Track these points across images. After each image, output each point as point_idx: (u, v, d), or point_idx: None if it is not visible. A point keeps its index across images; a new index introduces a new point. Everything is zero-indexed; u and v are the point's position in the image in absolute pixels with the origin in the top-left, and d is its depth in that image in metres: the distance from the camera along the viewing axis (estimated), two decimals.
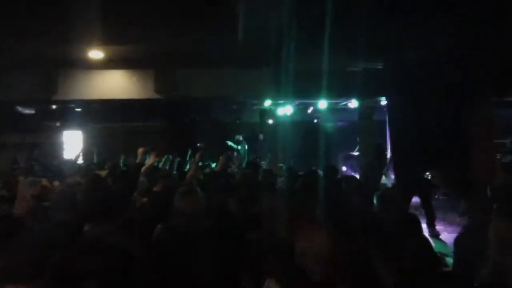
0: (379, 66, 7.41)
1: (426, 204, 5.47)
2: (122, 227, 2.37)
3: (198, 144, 7.41)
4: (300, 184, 4.00)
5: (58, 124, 11.20)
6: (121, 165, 5.86)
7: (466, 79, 5.40)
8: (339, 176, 4.67)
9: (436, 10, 4.41)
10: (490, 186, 4.64)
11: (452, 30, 4.90)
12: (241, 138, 9.63)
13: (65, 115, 10.18)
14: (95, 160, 6.43)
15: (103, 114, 10.40)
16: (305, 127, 10.99)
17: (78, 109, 9.66)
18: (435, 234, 5.15)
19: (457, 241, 2.69)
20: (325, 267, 1.71)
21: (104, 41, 5.55)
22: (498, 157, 6.16)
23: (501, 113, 7.17)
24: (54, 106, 9.43)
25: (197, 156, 4.40)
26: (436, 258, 2.48)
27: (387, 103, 8.13)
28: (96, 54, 6.12)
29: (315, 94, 8.01)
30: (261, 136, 10.24)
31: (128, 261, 2.01)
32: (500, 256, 1.55)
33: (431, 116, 5.99)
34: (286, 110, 10.11)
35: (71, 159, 9.20)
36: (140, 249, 2.17)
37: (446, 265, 2.65)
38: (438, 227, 5.47)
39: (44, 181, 4.52)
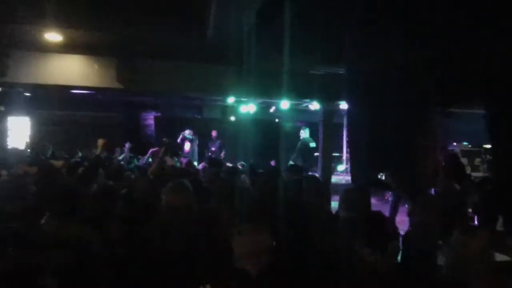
0: (341, 71, 7.73)
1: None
2: (80, 221, 2.30)
3: (163, 139, 7.27)
4: (262, 181, 4.07)
5: (2, 108, 10.34)
6: (79, 156, 5.59)
7: (417, 91, 5.84)
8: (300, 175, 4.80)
9: (391, 24, 4.71)
10: (434, 189, 5.06)
11: (406, 44, 5.25)
12: (188, 134, 9.58)
13: (12, 99, 9.43)
14: (48, 155, 6.06)
15: (55, 101, 9.78)
16: (266, 125, 11.15)
17: (27, 94, 8.99)
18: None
19: (404, 238, 2.92)
20: (263, 263, 1.68)
21: (64, 24, 5.24)
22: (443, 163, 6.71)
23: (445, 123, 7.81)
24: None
25: (162, 150, 4.31)
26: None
27: (347, 107, 8.50)
28: (54, 36, 5.75)
29: (277, 94, 8.19)
30: (214, 133, 10.22)
31: (86, 256, 1.96)
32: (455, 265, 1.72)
33: (385, 122, 6.39)
34: (248, 108, 10.20)
35: (17, 147, 8.59)
36: (99, 243, 2.11)
37: None
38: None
39: None
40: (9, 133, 10.47)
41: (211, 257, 1.92)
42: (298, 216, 2.73)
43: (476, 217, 4.42)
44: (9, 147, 9.44)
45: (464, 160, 9.04)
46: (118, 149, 9.30)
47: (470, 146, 10.06)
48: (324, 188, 3.83)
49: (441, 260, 2.11)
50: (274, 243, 1.77)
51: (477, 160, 9.67)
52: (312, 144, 8.49)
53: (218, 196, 2.94)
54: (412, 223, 3.08)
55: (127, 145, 8.96)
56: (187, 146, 9.58)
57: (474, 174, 8.14)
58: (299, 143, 8.40)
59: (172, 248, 2.01)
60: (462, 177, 5.35)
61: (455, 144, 9.73)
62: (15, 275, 1.77)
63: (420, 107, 6.26)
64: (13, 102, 9.59)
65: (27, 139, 10.44)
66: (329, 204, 4.62)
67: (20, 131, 10.57)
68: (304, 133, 8.67)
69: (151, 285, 1.92)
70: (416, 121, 6.37)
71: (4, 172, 4.49)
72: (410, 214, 3.16)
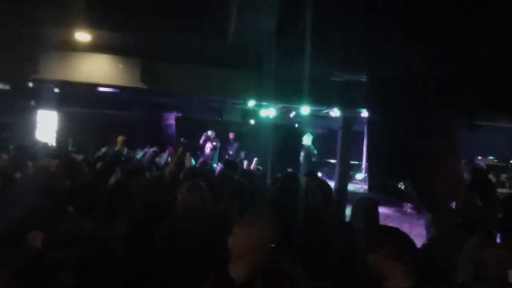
0: (362, 78, 7.64)
1: None
2: (100, 218, 2.34)
3: (181, 139, 7.37)
4: (279, 185, 4.07)
5: (33, 103, 10.81)
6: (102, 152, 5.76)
7: (440, 101, 5.70)
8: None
9: (413, 34, 4.63)
10: (455, 202, 4.90)
11: (429, 53, 5.15)
12: (210, 134, 9.62)
13: (42, 95, 9.85)
14: (69, 149, 6.29)
15: (81, 98, 10.13)
16: (286, 130, 11.11)
17: (56, 90, 9.36)
18: None
19: (420, 251, 2.84)
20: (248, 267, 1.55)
21: (92, 25, 5.45)
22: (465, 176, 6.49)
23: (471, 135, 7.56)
24: (30, 84, 9.10)
25: (180, 151, 4.33)
26: None
27: (367, 115, 8.38)
28: (83, 36, 5.99)
29: (297, 100, 8.17)
30: (231, 135, 10.25)
31: (103, 252, 1.99)
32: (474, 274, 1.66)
33: (405, 131, 6.27)
34: (268, 112, 10.21)
35: (44, 140, 8.93)
36: (115, 239, 2.15)
37: None
38: None
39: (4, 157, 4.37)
40: (38, 126, 10.94)
41: (220, 257, 1.88)
42: (309, 220, 2.73)
43: (499, 235, 4.24)
44: (37, 139, 9.85)
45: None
46: (138, 150, 9.52)
47: (496, 160, 9.70)
48: (338, 195, 3.80)
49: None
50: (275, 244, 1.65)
51: (503, 176, 9.29)
52: (314, 152, 8.43)
53: (226, 197, 2.96)
54: (429, 236, 3.00)
55: (152, 149, 9.11)
56: (208, 147, 9.63)
57: (500, 190, 7.84)
58: (304, 150, 8.40)
59: (184, 247, 2.02)
60: (486, 192, 5.16)
61: (480, 158, 9.39)
62: (34, 270, 1.78)
63: (443, 118, 6.11)
64: (43, 97, 10.01)
65: (54, 133, 10.88)
66: (343, 211, 4.57)
67: (48, 125, 11.02)
68: (308, 140, 8.63)
69: (164, 282, 1.93)
70: (438, 132, 6.22)
71: (30, 164, 4.69)
72: (428, 226, 3.08)
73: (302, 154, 8.37)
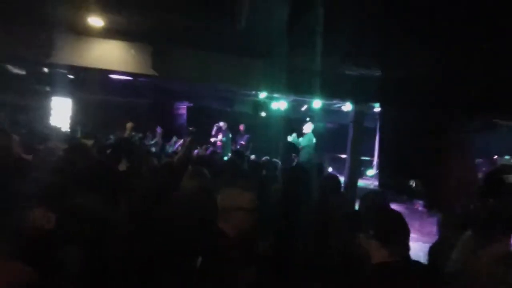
0: (377, 73, 7.48)
1: None
2: (106, 198, 2.35)
3: (190, 128, 7.36)
4: (286, 177, 4.02)
5: (47, 88, 10.97)
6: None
7: (455, 99, 5.55)
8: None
9: (430, 28, 4.49)
10: (465, 204, 4.76)
11: (446, 48, 5.00)
12: (222, 125, 9.60)
13: (56, 81, 9.98)
14: (78, 135, 6.36)
15: (95, 85, 10.23)
16: (296, 124, 11.02)
17: (70, 76, 9.47)
18: None
19: (431, 249, 2.77)
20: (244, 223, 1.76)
21: (104, 9, 5.43)
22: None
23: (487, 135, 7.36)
24: (45, 70, 9.21)
25: (188, 140, 4.31)
26: None
27: (380, 111, 8.23)
28: (96, 21, 5.99)
29: (310, 92, 8.05)
30: (241, 127, 10.20)
31: (109, 231, 2.00)
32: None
33: (418, 129, 6.14)
34: (280, 104, 10.12)
35: (58, 125, 9.07)
36: (124, 220, 2.15)
37: None
38: (414, 236, 5.60)
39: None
40: (52, 112, 11.12)
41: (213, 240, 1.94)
42: (316, 213, 2.68)
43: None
44: (51, 125, 10.01)
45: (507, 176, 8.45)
46: (149, 134, 9.59)
47: None
48: (348, 190, 3.73)
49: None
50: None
51: None
52: (313, 141, 8.53)
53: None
54: (441, 236, 2.91)
55: (159, 129, 9.19)
56: (219, 138, 9.63)
57: None
58: (303, 139, 8.30)
59: (183, 231, 2.02)
60: (501, 193, 5.01)
61: (495, 157, 9.14)
62: (40, 247, 1.80)
63: (458, 116, 5.94)
64: (58, 83, 10.14)
65: (68, 119, 11.05)
66: (353, 207, 4.50)
67: (62, 111, 11.19)
68: (309, 128, 8.54)
69: (164, 262, 1.93)
70: (452, 130, 6.06)
71: (41, 147, 4.75)
72: (439, 225, 2.99)
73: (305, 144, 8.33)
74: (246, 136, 10.02)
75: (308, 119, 11.71)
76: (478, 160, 7.67)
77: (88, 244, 1.87)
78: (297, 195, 3.10)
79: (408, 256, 1.74)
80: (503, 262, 1.53)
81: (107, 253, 1.91)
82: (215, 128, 9.65)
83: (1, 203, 1.93)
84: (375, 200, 2.53)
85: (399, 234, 1.68)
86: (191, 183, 2.51)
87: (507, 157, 9.13)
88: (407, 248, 1.71)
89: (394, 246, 1.63)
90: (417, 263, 1.75)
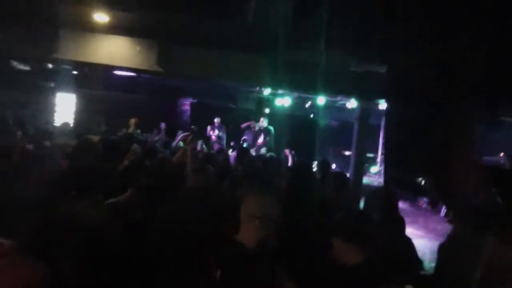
0: (382, 70, 7.44)
1: None
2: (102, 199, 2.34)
3: (192, 127, 7.38)
4: (291, 174, 4.01)
5: (52, 84, 10.99)
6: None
7: (462, 95, 5.50)
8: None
9: (433, 22, 4.45)
10: (473, 199, 4.74)
11: (451, 42, 4.95)
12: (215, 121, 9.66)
13: (61, 76, 10.00)
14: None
15: (99, 81, 10.25)
16: (300, 121, 11.00)
17: (75, 72, 9.48)
18: None
19: (440, 248, 2.76)
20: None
21: (110, 5, 5.43)
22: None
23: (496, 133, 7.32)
24: (50, 66, 9.22)
25: (190, 138, 4.32)
26: (417, 260, 2.54)
27: (386, 108, 8.19)
28: (101, 17, 5.98)
29: (314, 88, 8.01)
30: (252, 123, 10.19)
31: (107, 243, 1.98)
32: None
33: (425, 125, 6.10)
34: (284, 101, 10.08)
35: (63, 122, 9.10)
36: (119, 229, 2.15)
37: (424, 269, 2.71)
38: (419, 233, 5.60)
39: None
40: (57, 108, 11.14)
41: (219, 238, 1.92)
42: (321, 210, 2.67)
43: None
44: (56, 121, 10.04)
45: None
46: (156, 130, 9.62)
47: None
48: (353, 188, 3.72)
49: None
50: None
51: None
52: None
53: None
54: (451, 233, 2.90)
55: (163, 125, 9.19)
56: (215, 133, 9.72)
57: None
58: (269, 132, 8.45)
59: (186, 228, 2.01)
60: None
61: (501, 154, 9.10)
62: (33, 247, 1.79)
63: (464, 112, 5.90)
64: (62, 79, 10.16)
65: (73, 115, 11.07)
66: (358, 204, 4.49)
67: (66, 107, 11.21)
68: (265, 122, 8.76)
69: (165, 263, 1.92)
70: (459, 126, 6.02)
71: (47, 144, 4.77)
72: (449, 222, 2.98)
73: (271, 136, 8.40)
74: (263, 135, 9.91)
75: (311, 115, 11.71)
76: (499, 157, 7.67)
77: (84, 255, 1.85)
78: (303, 193, 3.09)
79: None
80: None
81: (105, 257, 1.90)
82: (209, 128, 9.75)
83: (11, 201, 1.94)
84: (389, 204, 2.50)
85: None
86: (196, 180, 2.52)
87: None
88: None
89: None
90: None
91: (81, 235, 1.84)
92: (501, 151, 8.92)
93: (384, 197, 2.52)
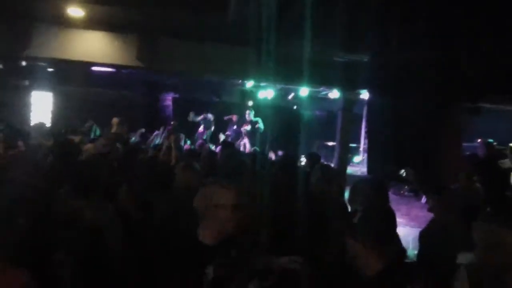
0: (365, 59, 7.49)
1: None
2: (96, 200, 2.29)
3: (172, 122, 7.23)
4: (277, 166, 4.01)
5: (26, 83, 10.58)
6: (96, 134, 5.67)
7: (443, 85, 5.63)
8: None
9: (418, 15, 4.51)
10: (455, 186, 4.89)
11: (434, 37, 5.04)
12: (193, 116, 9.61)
13: (36, 74, 9.63)
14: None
15: (77, 78, 9.93)
16: (284, 112, 11.02)
17: (51, 69, 9.15)
18: None
19: (422, 235, 2.83)
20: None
21: None
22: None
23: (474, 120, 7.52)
24: (24, 63, 8.87)
25: (172, 137, 4.22)
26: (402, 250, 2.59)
27: (368, 97, 8.28)
28: (76, 11, 5.77)
29: (298, 79, 8.03)
30: (234, 117, 10.15)
31: (100, 238, 1.96)
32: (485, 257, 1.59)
33: (407, 114, 6.21)
34: (267, 93, 10.07)
35: (39, 121, 8.79)
36: (115, 224, 2.11)
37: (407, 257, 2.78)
38: (402, 220, 5.72)
39: None
40: (32, 107, 10.75)
41: None
42: (309, 203, 2.68)
43: None
44: (32, 121, 9.70)
45: None
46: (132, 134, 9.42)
47: (495, 144, 9.63)
48: (338, 178, 3.73)
49: (461, 259, 1.99)
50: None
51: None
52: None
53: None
54: (431, 220, 2.97)
55: (141, 131, 8.98)
56: (201, 128, 9.65)
57: None
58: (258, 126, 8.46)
59: (178, 227, 2.00)
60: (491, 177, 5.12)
61: (479, 141, 9.35)
62: (28, 248, 1.75)
63: (444, 101, 6.05)
64: (37, 77, 9.80)
65: (49, 114, 10.71)
66: (343, 194, 4.53)
67: (43, 106, 10.82)
68: (251, 114, 8.81)
69: (160, 262, 1.91)
70: (439, 116, 6.17)
71: (20, 144, 4.60)
72: (430, 210, 3.04)
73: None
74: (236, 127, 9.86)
75: (295, 107, 11.74)
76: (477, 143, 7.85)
77: (76, 247, 1.82)
78: (289, 186, 3.10)
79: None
80: None
81: (98, 257, 1.87)
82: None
83: None
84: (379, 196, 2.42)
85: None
86: (183, 178, 2.49)
87: (490, 140, 9.35)
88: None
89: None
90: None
91: (78, 234, 1.81)
92: (479, 138, 9.17)
93: (375, 187, 2.46)
